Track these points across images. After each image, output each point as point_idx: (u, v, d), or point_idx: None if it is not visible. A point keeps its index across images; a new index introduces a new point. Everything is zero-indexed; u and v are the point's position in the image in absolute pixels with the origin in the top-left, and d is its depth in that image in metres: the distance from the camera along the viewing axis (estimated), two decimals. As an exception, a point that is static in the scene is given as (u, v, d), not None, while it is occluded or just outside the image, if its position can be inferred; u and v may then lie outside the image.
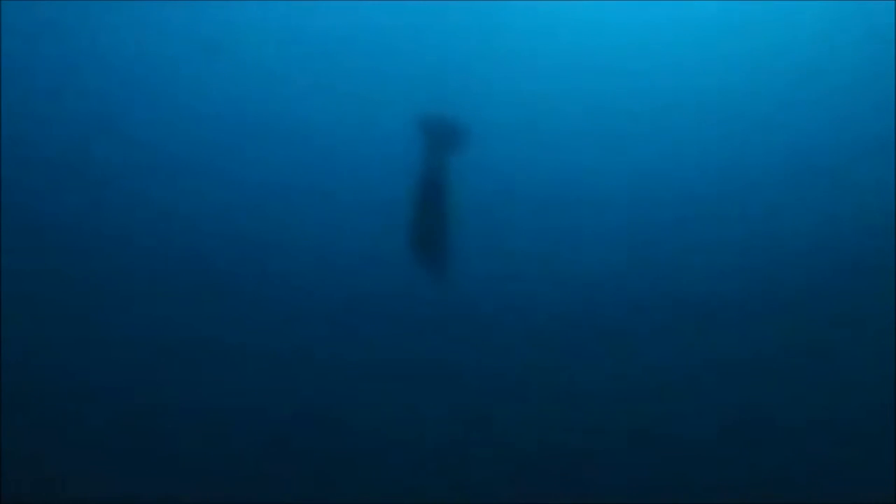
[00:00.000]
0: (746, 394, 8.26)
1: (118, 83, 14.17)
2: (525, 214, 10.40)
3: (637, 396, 8.07)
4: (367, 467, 7.21)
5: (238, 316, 8.80)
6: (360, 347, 8.41)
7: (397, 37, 15.74)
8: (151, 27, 16.95)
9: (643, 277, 9.80)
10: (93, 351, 8.24)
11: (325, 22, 16.19)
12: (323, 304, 9.05)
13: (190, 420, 7.49)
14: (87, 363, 8.07)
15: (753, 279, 10.00)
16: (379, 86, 12.61)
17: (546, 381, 8.05)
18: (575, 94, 14.20)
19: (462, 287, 7.68)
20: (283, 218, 10.53)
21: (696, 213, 11.14)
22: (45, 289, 9.03)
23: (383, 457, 7.28)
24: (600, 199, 11.08)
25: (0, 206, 10.12)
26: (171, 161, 11.82)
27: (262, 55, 15.58)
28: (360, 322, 8.68)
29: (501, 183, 10.83)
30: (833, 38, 16.37)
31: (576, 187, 11.31)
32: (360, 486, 7.04)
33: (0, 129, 11.40)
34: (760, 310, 9.56)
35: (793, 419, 7.95)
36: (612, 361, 8.42)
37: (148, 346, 8.36)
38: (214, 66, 15.17)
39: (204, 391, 7.80)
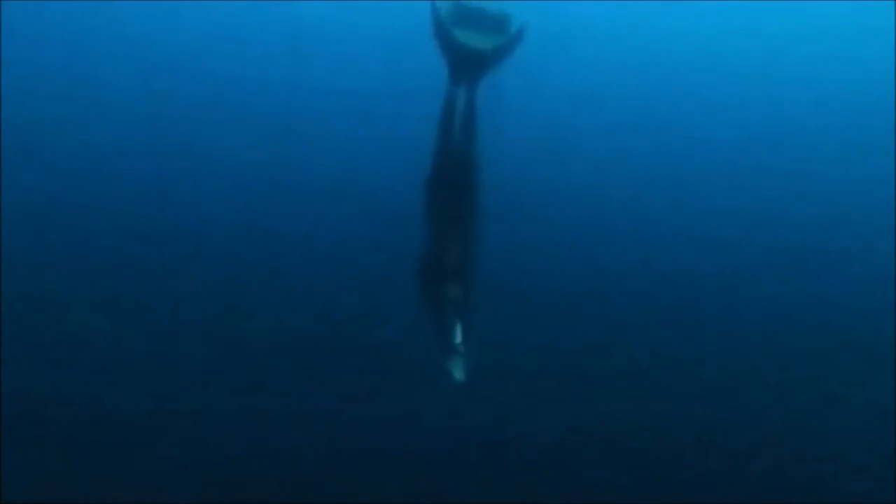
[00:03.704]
0: (745, 395, 8.25)
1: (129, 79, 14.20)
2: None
3: (635, 395, 8.05)
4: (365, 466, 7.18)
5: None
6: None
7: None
8: (157, 22, 16.96)
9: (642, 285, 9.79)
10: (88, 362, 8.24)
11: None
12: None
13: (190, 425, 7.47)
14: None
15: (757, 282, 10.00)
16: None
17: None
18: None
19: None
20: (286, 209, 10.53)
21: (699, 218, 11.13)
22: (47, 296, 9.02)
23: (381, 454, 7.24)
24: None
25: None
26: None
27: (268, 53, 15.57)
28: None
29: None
30: (834, 38, 16.27)
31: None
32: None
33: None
34: (759, 315, 9.57)
35: (792, 420, 7.95)
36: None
37: (148, 346, 8.35)
38: (220, 55, 15.21)
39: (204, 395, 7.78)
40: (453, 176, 6.89)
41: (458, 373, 6.33)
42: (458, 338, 6.37)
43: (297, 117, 12.35)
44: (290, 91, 12.94)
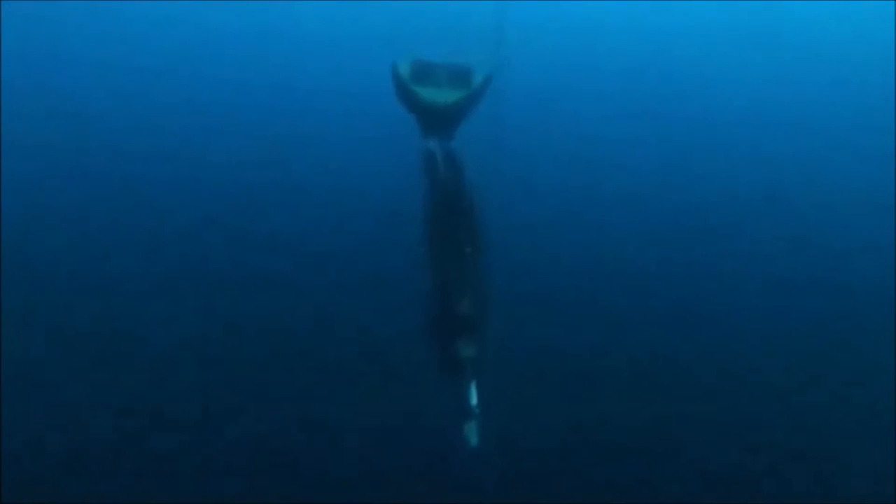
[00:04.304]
0: (748, 395, 8.23)
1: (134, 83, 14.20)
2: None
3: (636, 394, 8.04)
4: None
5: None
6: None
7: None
8: (156, 24, 16.96)
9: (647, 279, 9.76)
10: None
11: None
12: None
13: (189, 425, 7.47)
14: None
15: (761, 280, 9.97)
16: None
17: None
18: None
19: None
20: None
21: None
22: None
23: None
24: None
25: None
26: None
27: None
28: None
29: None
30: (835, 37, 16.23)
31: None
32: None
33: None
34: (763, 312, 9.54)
35: (792, 421, 7.94)
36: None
37: (149, 347, 8.35)
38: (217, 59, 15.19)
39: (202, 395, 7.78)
40: (452, 228, 6.65)
41: (473, 437, 6.20)
42: (474, 400, 6.22)
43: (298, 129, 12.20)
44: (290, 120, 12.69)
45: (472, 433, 6.22)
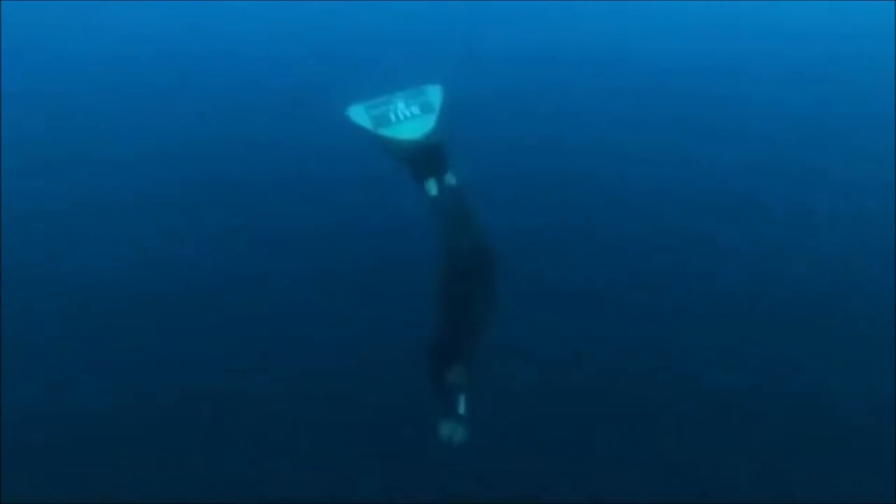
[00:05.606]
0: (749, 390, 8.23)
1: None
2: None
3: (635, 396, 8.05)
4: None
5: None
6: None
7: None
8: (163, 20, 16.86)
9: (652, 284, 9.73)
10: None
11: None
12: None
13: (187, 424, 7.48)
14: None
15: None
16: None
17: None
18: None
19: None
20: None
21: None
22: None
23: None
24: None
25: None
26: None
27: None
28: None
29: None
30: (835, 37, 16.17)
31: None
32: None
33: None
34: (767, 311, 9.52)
35: (791, 420, 7.94)
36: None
37: (148, 351, 8.36)
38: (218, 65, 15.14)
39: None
40: (469, 291, 6.57)
41: (459, 437, 6.35)
42: (462, 409, 6.36)
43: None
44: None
45: (458, 434, 6.37)
